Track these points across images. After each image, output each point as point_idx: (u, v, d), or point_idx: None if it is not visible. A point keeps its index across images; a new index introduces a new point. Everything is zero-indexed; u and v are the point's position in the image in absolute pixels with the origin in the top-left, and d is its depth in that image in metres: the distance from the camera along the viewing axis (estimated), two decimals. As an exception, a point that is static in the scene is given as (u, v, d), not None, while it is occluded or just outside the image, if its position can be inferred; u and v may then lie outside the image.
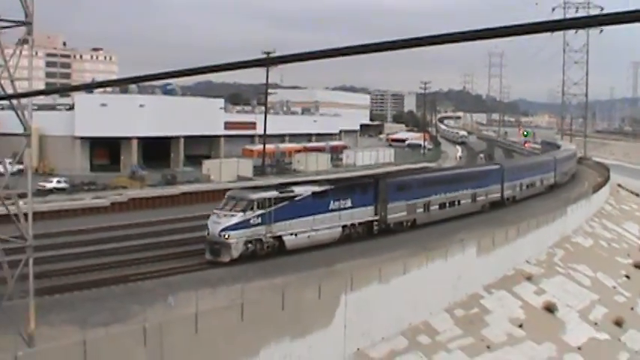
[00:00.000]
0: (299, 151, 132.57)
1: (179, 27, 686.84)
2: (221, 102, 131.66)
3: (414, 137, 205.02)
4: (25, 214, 31.38)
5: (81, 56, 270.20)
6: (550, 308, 59.14)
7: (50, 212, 66.98)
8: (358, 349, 42.46)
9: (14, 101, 31.97)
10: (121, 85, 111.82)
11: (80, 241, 55.74)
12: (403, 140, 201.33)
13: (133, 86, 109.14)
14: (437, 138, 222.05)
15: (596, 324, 60.33)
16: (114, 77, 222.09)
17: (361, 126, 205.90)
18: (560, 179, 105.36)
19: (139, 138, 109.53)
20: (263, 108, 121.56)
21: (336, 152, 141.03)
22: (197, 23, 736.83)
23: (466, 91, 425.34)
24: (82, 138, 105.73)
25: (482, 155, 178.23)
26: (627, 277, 75.42)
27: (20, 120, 31.43)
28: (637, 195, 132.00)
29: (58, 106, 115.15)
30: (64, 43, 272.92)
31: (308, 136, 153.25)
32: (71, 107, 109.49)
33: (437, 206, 69.26)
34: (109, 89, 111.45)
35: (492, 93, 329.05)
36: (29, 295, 30.39)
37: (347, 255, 50.33)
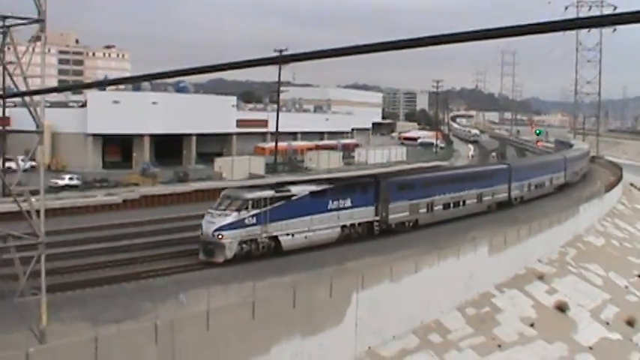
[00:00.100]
0: (311, 149, 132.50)
1: (191, 24, 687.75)
2: (233, 100, 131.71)
3: (426, 136, 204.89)
4: (38, 211, 31.51)
5: (93, 54, 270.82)
6: (562, 307, 58.98)
7: (62, 209, 67.04)
8: (369, 347, 42.44)
9: (27, 98, 32.09)
10: (134, 82, 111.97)
11: (92, 238, 55.85)
12: (415, 139, 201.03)
13: (145, 84, 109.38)
14: (449, 136, 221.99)
15: (607, 324, 60.16)
16: (126, 75, 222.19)
17: (373, 124, 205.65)
18: (571, 179, 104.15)
19: (151, 135, 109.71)
20: (275, 106, 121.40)
21: (348, 150, 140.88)
22: (209, 21, 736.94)
23: (478, 90, 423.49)
24: (94, 135, 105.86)
25: (494, 154, 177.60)
26: (639, 276, 75.16)
27: (33, 117, 31.55)
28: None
29: (71, 104, 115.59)
30: (77, 41, 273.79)
31: (320, 134, 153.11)
32: (84, 104, 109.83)
33: (441, 206, 68.17)
34: (121, 86, 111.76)
35: (505, 92, 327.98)
36: (41, 292, 30.50)
37: (358, 253, 50.27)
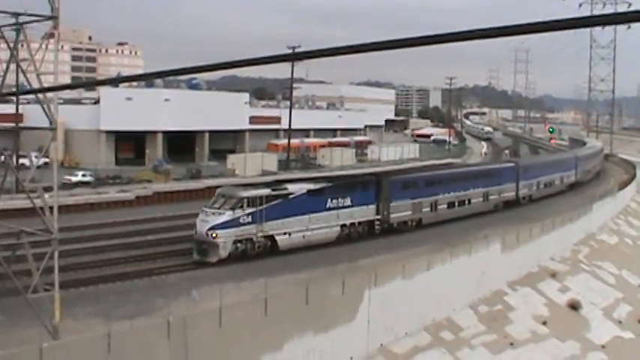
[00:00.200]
0: (324, 146, 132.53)
1: (203, 21, 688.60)
2: (246, 96, 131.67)
3: (439, 133, 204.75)
4: (51, 208, 31.58)
5: (106, 50, 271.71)
6: (574, 306, 58.82)
7: (75, 205, 67.34)
8: (381, 344, 42.42)
9: (40, 95, 32.18)
10: (147, 79, 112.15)
11: (105, 235, 56.01)
12: (428, 136, 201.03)
13: (158, 80, 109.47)
14: (462, 134, 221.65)
15: (620, 322, 59.98)
16: (139, 71, 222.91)
17: (386, 121, 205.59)
18: (583, 177, 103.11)
19: (164, 132, 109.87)
20: (288, 103, 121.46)
21: (360, 147, 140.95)
22: (221, 17, 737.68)
23: (492, 87, 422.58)
24: (107, 132, 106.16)
25: (507, 151, 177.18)
26: (652, 275, 74.91)
27: (46, 114, 31.63)
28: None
29: (84, 100, 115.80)
30: (90, 38, 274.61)
31: (333, 131, 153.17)
32: (97, 101, 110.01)
33: (445, 205, 67.21)
34: (134, 83, 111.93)
35: (518, 89, 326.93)
36: (54, 288, 30.59)
37: (370, 251, 50.25)
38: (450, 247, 51.06)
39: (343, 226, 56.38)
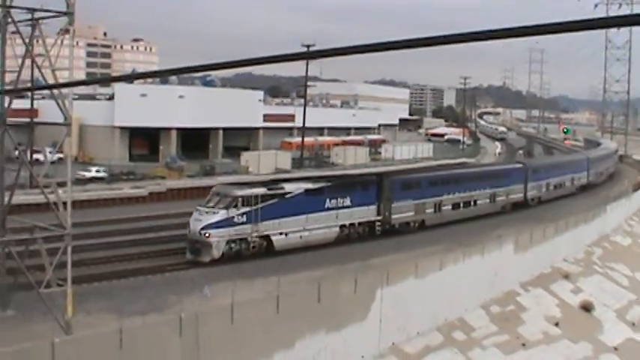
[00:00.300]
0: (337, 144, 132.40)
1: (218, 18, 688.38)
2: (260, 94, 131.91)
3: (453, 132, 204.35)
4: (64, 203, 31.71)
5: (121, 46, 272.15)
6: (587, 307, 58.60)
7: (89, 201, 67.50)
8: (393, 343, 42.36)
9: (55, 91, 32.29)
10: (162, 76, 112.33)
11: (118, 230, 56.19)
12: (442, 135, 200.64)
13: (172, 77, 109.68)
14: (476, 134, 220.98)
15: (633, 324, 59.72)
16: (154, 68, 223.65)
17: (400, 120, 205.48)
18: (595, 179, 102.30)
19: (178, 129, 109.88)
20: (302, 101, 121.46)
21: (374, 146, 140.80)
22: (237, 14, 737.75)
23: (506, 87, 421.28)
24: (121, 128, 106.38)
25: (521, 152, 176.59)
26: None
27: (61, 109, 31.77)
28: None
29: (98, 96, 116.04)
30: (105, 34, 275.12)
31: (347, 130, 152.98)
32: (111, 97, 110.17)
33: (449, 206, 66.47)
34: (149, 80, 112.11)
35: (532, 89, 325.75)
36: (67, 283, 30.71)
37: (382, 250, 50.22)
38: (462, 247, 50.97)
39: (342, 226, 55.75)
